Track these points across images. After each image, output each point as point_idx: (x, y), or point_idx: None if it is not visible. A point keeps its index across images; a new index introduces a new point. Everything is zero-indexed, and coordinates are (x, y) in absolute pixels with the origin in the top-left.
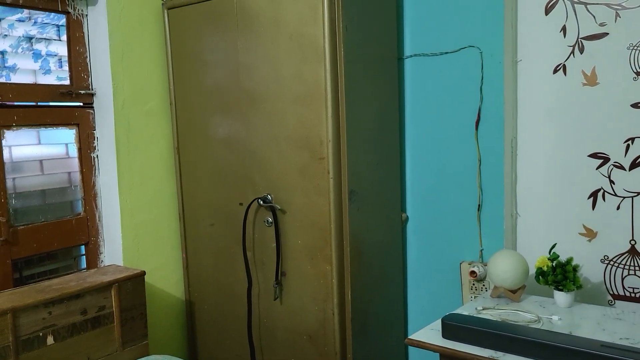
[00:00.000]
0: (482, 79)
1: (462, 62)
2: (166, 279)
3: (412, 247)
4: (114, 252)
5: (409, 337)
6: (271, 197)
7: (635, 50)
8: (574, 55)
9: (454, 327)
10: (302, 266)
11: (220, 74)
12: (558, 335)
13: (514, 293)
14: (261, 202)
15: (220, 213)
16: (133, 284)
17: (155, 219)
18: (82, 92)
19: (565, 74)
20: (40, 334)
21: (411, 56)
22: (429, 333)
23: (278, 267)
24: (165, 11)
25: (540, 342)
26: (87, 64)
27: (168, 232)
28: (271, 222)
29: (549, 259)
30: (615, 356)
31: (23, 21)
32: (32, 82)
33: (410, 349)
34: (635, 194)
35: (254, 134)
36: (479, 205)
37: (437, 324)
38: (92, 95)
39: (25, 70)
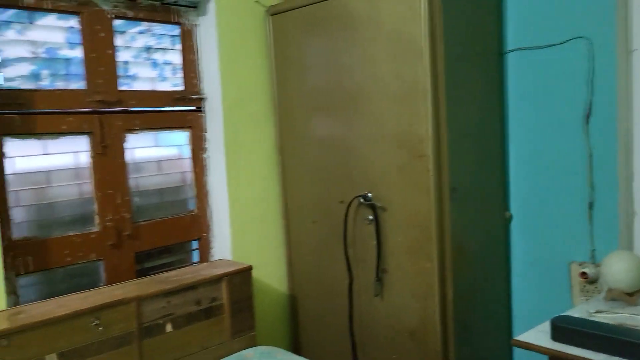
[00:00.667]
0: (592, 70)
1: (569, 54)
2: (271, 273)
3: (516, 247)
4: (224, 247)
5: (516, 338)
6: (371, 195)
7: None
8: None
9: (564, 329)
10: (403, 263)
11: (321, 75)
12: None
13: (630, 296)
14: (362, 199)
15: (322, 211)
16: (241, 278)
17: (260, 216)
18: (194, 97)
19: None
20: (161, 322)
21: (514, 50)
22: (537, 335)
23: (378, 264)
24: (269, 17)
25: None
26: (198, 70)
27: (272, 229)
28: (372, 220)
29: None
30: None
31: (143, 33)
32: (150, 89)
33: (516, 351)
34: None
35: (354, 133)
36: (591, 203)
37: (546, 326)
38: (203, 99)
39: (144, 78)
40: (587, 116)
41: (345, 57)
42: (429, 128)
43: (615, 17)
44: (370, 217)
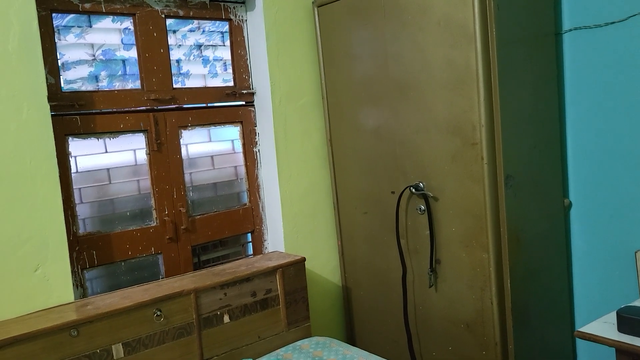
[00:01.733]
0: None
1: (631, 31)
2: (324, 265)
3: (576, 235)
4: (276, 239)
5: (579, 329)
6: (423, 184)
7: None
8: None
9: (632, 320)
10: (457, 254)
11: (369, 65)
12: None
13: None
14: (413, 190)
15: (373, 201)
16: (295, 269)
17: (312, 208)
18: (244, 92)
19: None
20: (218, 313)
21: (571, 30)
22: (602, 326)
23: (432, 254)
24: (315, 9)
25: None
26: (248, 65)
27: (324, 220)
28: (424, 210)
29: None
30: None
31: (193, 31)
32: (202, 86)
33: (579, 342)
34: None
35: (404, 122)
36: None
37: (612, 317)
38: (253, 94)
39: (196, 75)
40: None
41: (393, 46)
42: (482, 115)
43: None
44: (422, 207)
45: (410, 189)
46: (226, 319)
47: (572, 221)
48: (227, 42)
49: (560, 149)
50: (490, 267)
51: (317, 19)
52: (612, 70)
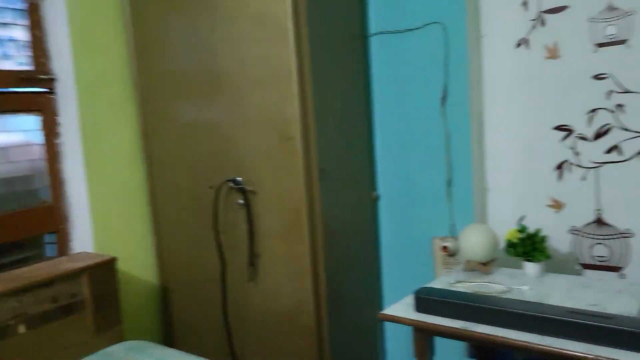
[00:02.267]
0: (447, 55)
1: (426, 38)
2: (139, 265)
3: (384, 225)
4: (85, 239)
5: (382, 312)
6: (241, 179)
7: (595, 22)
8: (535, 28)
9: (426, 300)
10: (276, 247)
11: (186, 57)
12: (527, 303)
13: (485, 266)
14: (231, 184)
15: (191, 197)
16: (104, 271)
17: (125, 205)
18: (43, 77)
19: (528, 48)
20: (12, 323)
21: (376, 34)
22: (402, 307)
23: (251, 248)
24: None
25: (509, 310)
26: (47, 48)
27: (139, 218)
28: (242, 204)
29: (517, 231)
30: (582, 321)
31: None
32: None
33: (387, 324)
34: (600, 164)
35: (222, 116)
36: (449, 180)
37: (411, 298)
38: (54, 80)
39: None
40: (443, 99)
41: (210, 38)
42: (297, 110)
43: (465, 4)
44: (241, 201)
45: (228, 183)
46: (22, 329)
47: (381, 212)
48: (23, 22)
49: (369, 144)
50: (306, 258)
51: (128, 5)
52: (410, 73)
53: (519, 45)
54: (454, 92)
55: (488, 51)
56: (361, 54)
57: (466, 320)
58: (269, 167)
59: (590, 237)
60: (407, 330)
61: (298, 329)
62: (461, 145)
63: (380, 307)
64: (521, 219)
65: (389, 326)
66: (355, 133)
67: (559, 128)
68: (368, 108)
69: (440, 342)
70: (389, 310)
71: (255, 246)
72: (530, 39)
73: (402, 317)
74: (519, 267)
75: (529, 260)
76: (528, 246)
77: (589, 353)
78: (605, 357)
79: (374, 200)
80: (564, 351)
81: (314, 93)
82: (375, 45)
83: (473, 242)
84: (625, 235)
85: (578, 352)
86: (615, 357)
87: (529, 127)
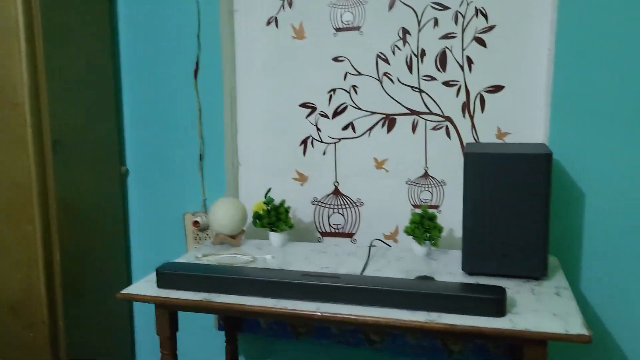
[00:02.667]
0: (199, 26)
1: (179, 7)
2: None
3: (134, 202)
4: None
5: (121, 291)
6: None
7: (334, 8)
8: (284, 9)
9: (167, 275)
10: (1, 229)
11: None
12: (264, 271)
13: (234, 238)
14: None
15: None
16: None
17: None
18: None
19: (277, 27)
20: None
21: None
22: (145, 285)
23: None
24: None
25: (246, 278)
26: None
27: None
28: None
29: (264, 203)
30: (312, 282)
31: None
32: None
33: (136, 305)
34: (337, 140)
35: None
36: (201, 155)
37: (154, 276)
38: None
39: None
40: (196, 72)
41: None
42: (24, 73)
43: None
44: None
45: None
46: None
47: (130, 188)
48: None
49: (117, 115)
50: (37, 241)
51: None
52: (163, 41)
53: (269, 23)
54: (207, 66)
55: (240, 27)
56: (107, 17)
57: (208, 292)
58: None
59: (328, 207)
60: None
61: (28, 321)
62: (214, 120)
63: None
64: (268, 191)
65: (138, 307)
66: (100, 102)
67: (304, 105)
68: (115, 75)
69: (189, 318)
70: (130, 289)
71: None
72: (279, 18)
73: (141, 295)
74: (267, 238)
75: (273, 231)
76: (273, 217)
77: (317, 310)
78: (330, 313)
79: (123, 176)
80: (297, 311)
81: (46, 53)
82: (124, 10)
83: (221, 215)
84: (357, 204)
85: (309, 311)
86: (339, 312)
87: (278, 104)
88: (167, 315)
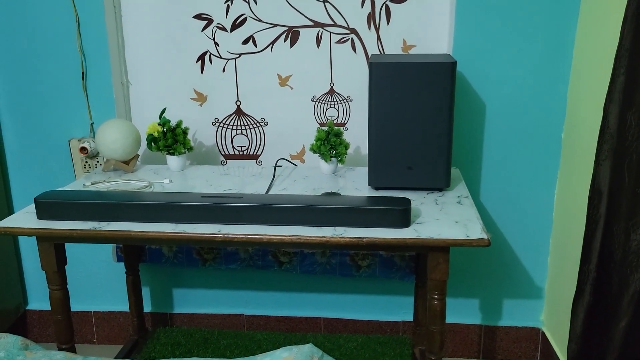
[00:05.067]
0: None
1: None
2: None
3: (7, 129)
4: None
5: None
6: None
7: None
8: None
9: (47, 204)
10: None
11: None
12: (161, 194)
13: (127, 164)
14: None
15: None
16: None
17: None
18: None
19: None
20: None
21: None
22: (24, 217)
23: None
24: None
25: (140, 203)
26: None
27: None
28: None
29: (159, 125)
30: (212, 203)
31: None
32: None
33: (23, 242)
34: (238, 55)
35: None
36: (83, 73)
37: (33, 207)
38: None
39: None
40: None
41: None
42: None
43: None
44: None
45: None
46: None
47: (1, 113)
48: None
49: None
50: None
51: None
52: None
53: None
54: None
55: None
56: None
57: (97, 221)
58: None
59: (231, 128)
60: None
61: None
62: (96, 33)
63: None
64: (163, 112)
65: (24, 241)
66: None
67: (199, 17)
68: None
69: (83, 250)
70: (5, 221)
71: None
72: None
73: (19, 228)
74: (165, 162)
75: (171, 154)
76: (169, 139)
77: (219, 233)
78: (233, 234)
79: None
80: (196, 234)
81: None
82: None
83: (111, 139)
84: (261, 124)
85: (208, 234)
86: (243, 232)
87: (170, 14)
88: (52, 248)
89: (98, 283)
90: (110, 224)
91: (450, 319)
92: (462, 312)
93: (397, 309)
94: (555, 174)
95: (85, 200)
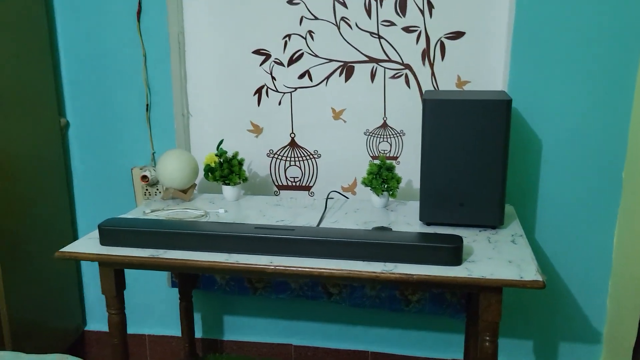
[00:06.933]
0: None
1: None
2: None
3: (76, 156)
4: None
5: (61, 250)
6: None
7: None
8: None
9: (110, 231)
10: None
11: None
12: (216, 224)
13: (184, 193)
14: None
15: None
16: None
17: None
18: None
19: None
20: None
21: None
22: (88, 242)
23: None
24: None
25: (196, 233)
26: None
27: None
28: None
29: (216, 156)
30: (264, 235)
31: None
32: None
33: (84, 264)
34: (293, 89)
35: None
36: (148, 105)
37: (96, 233)
38: None
39: None
40: (138, 13)
41: None
42: None
43: None
44: None
45: None
46: None
47: (71, 141)
48: None
49: (54, 63)
50: None
51: None
52: None
53: None
54: (150, 6)
55: None
56: None
57: (156, 248)
58: None
59: (285, 160)
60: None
61: None
62: (161, 67)
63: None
64: (220, 143)
65: (86, 265)
66: (32, 48)
67: (257, 52)
68: (49, 19)
69: (140, 276)
70: (71, 247)
71: None
72: None
73: (83, 253)
74: (220, 192)
75: (226, 184)
76: (226, 170)
77: (270, 264)
78: (284, 266)
79: (63, 128)
80: (249, 265)
81: None
82: None
83: (170, 168)
84: (314, 156)
85: (260, 265)
86: (293, 265)
87: (230, 50)
88: (112, 274)
89: (153, 307)
90: (168, 252)
91: (503, 358)
92: (515, 354)
93: (447, 346)
94: (615, 214)
95: (145, 228)
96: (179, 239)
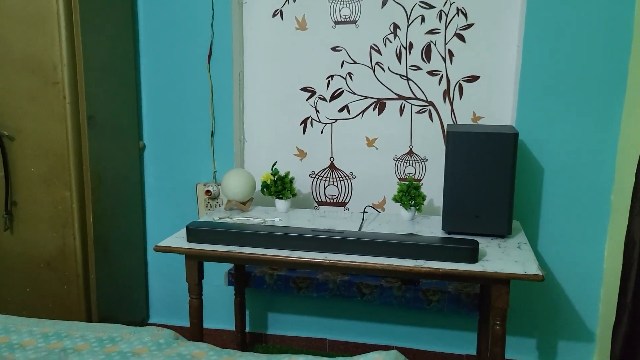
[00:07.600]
0: (212, 16)
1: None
2: None
3: (149, 174)
4: None
5: (158, 244)
6: None
7: (334, 3)
8: (288, 2)
9: (196, 230)
10: (37, 194)
11: None
12: (280, 228)
13: (244, 204)
14: None
15: None
16: None
17: None
18: None
19: (282, 19)
20: None
21: None
22: (174, 240)
23: (7, 196)
24: None
25: (266, 234)
26: None
27: None
28: None
29: (271, 174)
30: (320, 236)
31: None
32: None
33: (150, 266)
34: (334, 121)
35: None
36: (212, 132)
37: (182, 233)
38: None
39: None
40: (209, 57)
41: None
42: (64, 54)
43: None
44: None
45: None
46: None
47: (146, 161)
48: None
49: (137, 94)
50: (73, 204)
51: None
52: (178, 29)
53: (275, 15)
54: (219, 51)
55: (249, 17)
56: (129, 6)
57: (232, 245)
58: (31, 113)
59: (325, 180)
60: (169, 271)
61: (62, 275)
62: (224, 100)
63: (144, 250)
64: (275, 164)
65: (153, 268)
66: (123, 82)
67: (304, 89)
68: (135, 59)
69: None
70: (164, 242)
71: (12, 194)
72: (284, 10)
73: (176, 247)
74: (272, 205)
75: (279, 198)
76: (279, 186)
77: (325, 259)
78: (336, 260)
79: (141, 150)
80: (308, 260)
81: (82, 38)
82: (144, 1)
83: (233, 184)
84: (349, 177)
85: (318, 259)
86: (343, 260)
87: (281, 87)
88: (196, 265)
89: (209, 303)
90: (242, 247)
91: (509, 354)
92: (519, 350)
93: (462, 342)
94: (605, 230)
95: (225, 229)
96: (252, 238)
